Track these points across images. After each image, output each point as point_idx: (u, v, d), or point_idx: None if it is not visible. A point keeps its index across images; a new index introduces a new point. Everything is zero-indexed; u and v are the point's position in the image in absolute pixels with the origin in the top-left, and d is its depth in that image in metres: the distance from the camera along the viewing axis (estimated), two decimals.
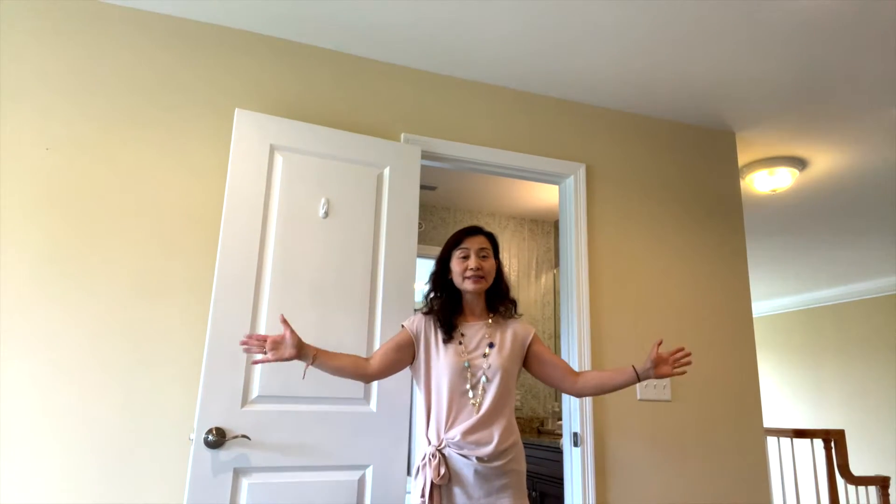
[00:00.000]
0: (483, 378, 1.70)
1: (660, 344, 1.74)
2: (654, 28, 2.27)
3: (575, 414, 2.46)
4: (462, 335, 1.76)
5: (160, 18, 2.24)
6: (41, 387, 1.87)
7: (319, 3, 2.17)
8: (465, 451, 1.63)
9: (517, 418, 4.06)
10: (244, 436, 1.88)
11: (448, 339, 1.73)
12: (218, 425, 1.87)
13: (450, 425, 1.66)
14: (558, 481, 3.00)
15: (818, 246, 5.05)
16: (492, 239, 1.85)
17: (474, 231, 1.83)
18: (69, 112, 2.07)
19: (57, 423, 1.86)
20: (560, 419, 3.95)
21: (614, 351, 2.57)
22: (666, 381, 2.61)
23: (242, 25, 2.32)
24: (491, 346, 1.75)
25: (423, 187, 2.39)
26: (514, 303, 1.86)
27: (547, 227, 4.61)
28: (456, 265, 1.78)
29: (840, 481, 3.81)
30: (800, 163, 3.41)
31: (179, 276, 2.07)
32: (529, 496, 3.37)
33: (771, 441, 4.34)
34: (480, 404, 1.67)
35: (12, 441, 1.81)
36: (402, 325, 1.81)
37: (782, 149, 3.27)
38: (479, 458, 1.63)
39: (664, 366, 1.73)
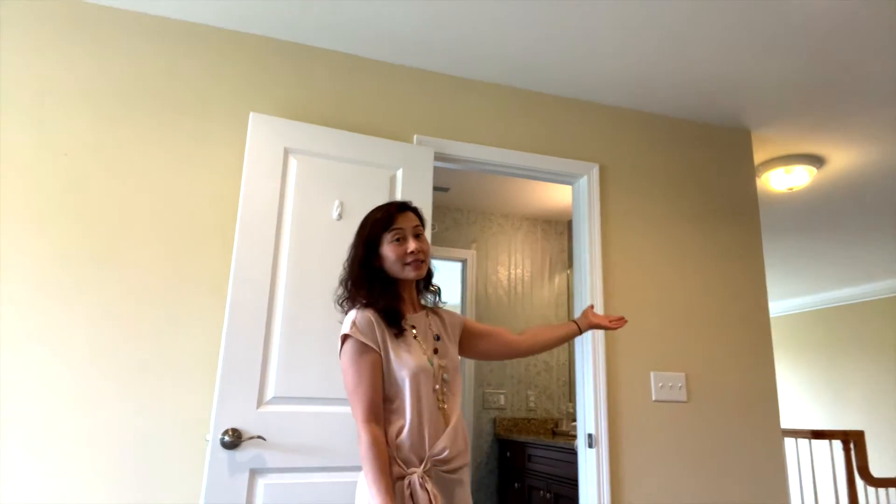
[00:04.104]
0: (444, 377, 1.49)
1: (592, 307, 1.84)
2: (669, 27, 2.25)
3: (589, 415, 2.45)
4: (413, 328, 1.51)
5: (175, 24, 2.27)
6: (60, 387, 1.90)
7: (332, 6, 2.19)
8: (450, 466, 1.43)
9: (532, 419, 4.12)
10: (260, 436, 1.90)
11: (399, 332, 1.47)
12: (234, 426, 1.88)
13: (432, 439, 1.41)
14: (573, 483, 2.99)
15: (836, 245, 4.99)
16: (419, 215, 1.58)
17: (402, 207, 1.55)
18: (85, 118, 2.10)
19: (75, 423, 1.89)
20: (574, 420, 3.94)
21: (628, 351, 2.56)
22: (681, 381, 2.59)
23: (255, 30, 2.34)
24: (437, 338, 1.55)
25: (435, 188, 2.40)
26: (439, 289, 1.64)
27: (560, 227, 4.59)
28: (390, 251, 1.49)
29: (860, 483, 3.76)
30: (817, 160, 3.37)
31: (196, 278, 2.09)
32: (544, 498, 3.37)
33: (788, 442, 4.29)
34: (451, 408, 1.47)
35: (31, 442, 1.84)
36: (359, 340, 1.42)
37: (799, 146, 3.23)
38: (460, 469, 1.46)
39: (602, 321, 1.79)
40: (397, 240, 1.50)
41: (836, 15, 2.16)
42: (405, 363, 1.43)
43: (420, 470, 1.36)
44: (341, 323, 1.49)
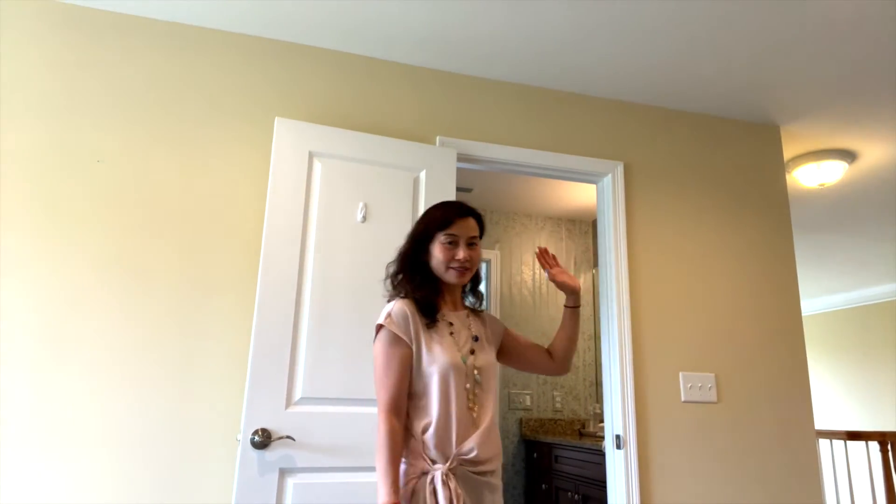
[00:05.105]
0: (476, 377, 1.47)
1: (541, 260, 1.70)
2: (694, 22, 2.22)
3: (617, 416, 2.42)
4: (451, 324, 1.51)
5: (200, 31, 2.31)
6: (90, 390, 1.95)
7: (353, 10, 2.21)
8: (480, 468, 1.40)
9: (559, 420, 4.10)
10: (289, 436, 1.92)
11: (432, 323, 1.47)
12: (264, 426, 1.91)
13: (460, 438, 1.39)
14: (601, 484, 2.97)
15: (871, 241, 4.86)
16: (481, 223, 1.58)
17: (464, 213, 1.54)
18: (116, 125, 2.15)
19: (106, 426, 1.94)
20: (602, 421, 3.91)
21: (656, 352, 2.53)
22: (711, 382, 2.55)
23: (278, 35, 2.37)
24: (475, 339, 1.53)
25: (459, 189, 2.40)
26: (482, 296, 1.67)
27: (584, 226, 4.56)
28: (440, 252, 1.50)
29: None
30: (849, 155, 3.29)
31: (223, 280, 2.12)
32: (572, 499, 3.35)
33: (823, 444, 4.19)
34: (482, 410, 1.45)
35: (65, 439, 1.90)
36: (392, 331, 1.43)
37: (830, 141, 3.16)
38: (491, 473, 1.43)
39: (558, 276, 1.65)
40: (449, 243, 1.50)
41: (864, 7, 2.11)
42: (436, 359, 1.43)
43: (445, 467, 1.35)
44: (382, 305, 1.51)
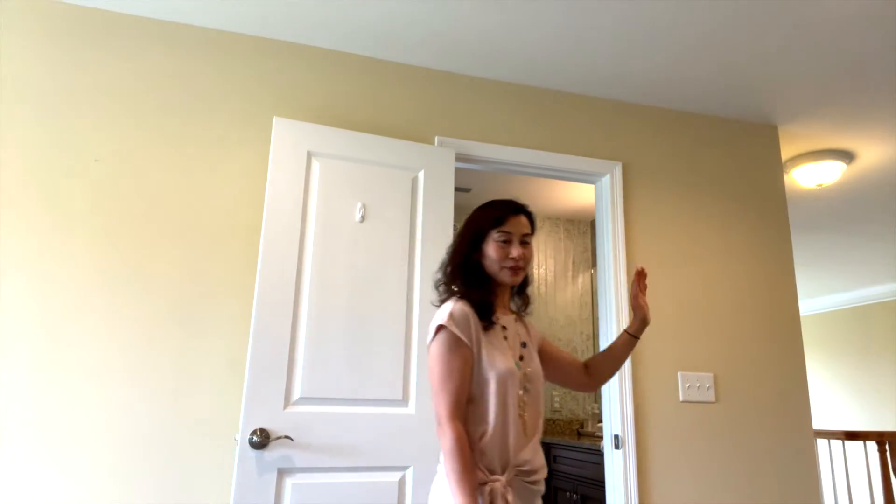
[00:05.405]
0: (526, 385, 1.43)
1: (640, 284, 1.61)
2: (692, 22, 2.23)
3: (615, 416, 2.43)
4: (504, 328, 1.47)
5: (198, 31, 2.31)
6: (88, 390, 1.94)
7: (351, 10, 2.21)
8: (532, 478, 1.38)
9: (557, 420, 4.10)
10: (287, 436, 1.92)
11: (489, 326, 1.43)
12: (262, 426, 1.91)
13: (515, 448, 1.36)
14: (599, 484, 2.97)
15: (869, 241, 4.87)
16: (533, 220, 1.56)
17: (518, 210, 1.52)
18: (114, 125, 2.15)
19: (105, 426, 1.93)
20: (600, 421, 3.91)
21: (655, 352, 2.53)
22: (710, 382, 2.56)
23: (277, 35, 2.37)
24: (524, 345, 1.50)
25: (457, 189, 2.40)
26: (529, 298, 1.60)
27: (583, 226, 4.56)
28: (493, 250, 1.46)
29: None
30: (847, 156, 3.30)
31: (222, 280, 2.12)
32: (571, 499, 3.35)
33: (821, 444, 4.20)
34: (531, 418, 1.42)
35: (64, 438, 1.89)
36: (454, 333, 1.36)
37: (828, 142, 3.16)
38: (540, 481, 1.41)
39: (642, 300, 1.59)
40: (504, 241, 1.47)
41: (863, 7, 2.11)
42: (495, 364, 1.38)
43: (504, 479, 1.31)
44: (436, 306, 1.46)
